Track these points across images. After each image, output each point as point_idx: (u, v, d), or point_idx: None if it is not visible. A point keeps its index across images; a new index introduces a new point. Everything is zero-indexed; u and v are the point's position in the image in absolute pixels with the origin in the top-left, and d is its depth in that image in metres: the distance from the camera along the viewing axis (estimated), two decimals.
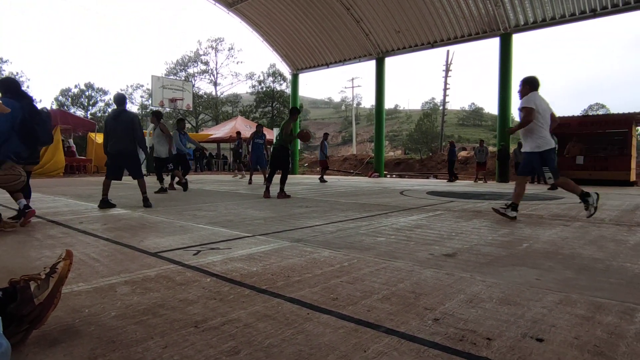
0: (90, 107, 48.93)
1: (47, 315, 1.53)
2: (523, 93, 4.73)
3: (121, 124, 5.65)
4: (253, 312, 1.77)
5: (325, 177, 14.41)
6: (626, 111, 13.90)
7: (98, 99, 49.23)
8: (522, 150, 4.91)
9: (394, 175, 23.69)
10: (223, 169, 26.33)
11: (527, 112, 4.55)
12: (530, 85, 4.71)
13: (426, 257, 2.79)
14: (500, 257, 2.83)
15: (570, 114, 15.67)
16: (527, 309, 1.82)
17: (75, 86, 50.01)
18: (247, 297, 1.97)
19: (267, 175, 7.86)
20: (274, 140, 8.15)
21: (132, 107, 51.57)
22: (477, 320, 1.69)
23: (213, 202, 6.44)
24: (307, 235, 3.59)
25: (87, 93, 49.20)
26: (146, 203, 5.73)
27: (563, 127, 14.84)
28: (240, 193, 8.47)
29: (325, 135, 15.16)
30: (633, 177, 13.44)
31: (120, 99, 5.89)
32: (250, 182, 12.13)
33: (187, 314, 1.75)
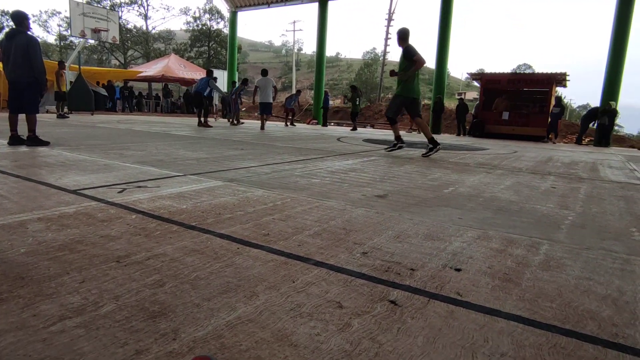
0: None
1: None
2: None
3: (18, 47, 4.88)
4: (180, 247, 1.72)
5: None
6: (548, 71, 14.80)
7: (4, 25, 43.44)
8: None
9: (332, 123, 23.75)
10: (155, 110, 24.64)
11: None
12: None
13: (358, 198, 2.86)
14: (428, 198, 2.97)
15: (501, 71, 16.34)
16: (449, 243, 1.94)
17: None
18: (174, 233, 1.90)
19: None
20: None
21: (49, 37, 46.30)
22: (402, 254, 1.77)
23: (142, 142, 6.07)
24: (241, 176, 3.52)
25: None
26: (31, 142, 5.05)
27: (494, 83, 15.57)
28: (173, 134, 8.06)
29: (298, 92, 18.03)
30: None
31: (19, 17, 5.01)
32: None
33: (108, 249, 1.65)
